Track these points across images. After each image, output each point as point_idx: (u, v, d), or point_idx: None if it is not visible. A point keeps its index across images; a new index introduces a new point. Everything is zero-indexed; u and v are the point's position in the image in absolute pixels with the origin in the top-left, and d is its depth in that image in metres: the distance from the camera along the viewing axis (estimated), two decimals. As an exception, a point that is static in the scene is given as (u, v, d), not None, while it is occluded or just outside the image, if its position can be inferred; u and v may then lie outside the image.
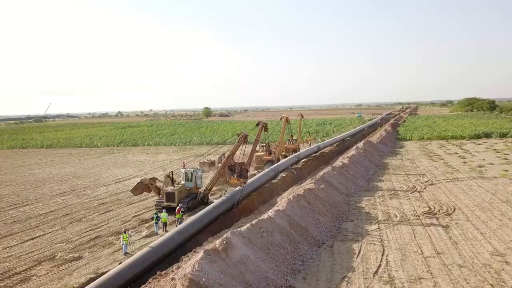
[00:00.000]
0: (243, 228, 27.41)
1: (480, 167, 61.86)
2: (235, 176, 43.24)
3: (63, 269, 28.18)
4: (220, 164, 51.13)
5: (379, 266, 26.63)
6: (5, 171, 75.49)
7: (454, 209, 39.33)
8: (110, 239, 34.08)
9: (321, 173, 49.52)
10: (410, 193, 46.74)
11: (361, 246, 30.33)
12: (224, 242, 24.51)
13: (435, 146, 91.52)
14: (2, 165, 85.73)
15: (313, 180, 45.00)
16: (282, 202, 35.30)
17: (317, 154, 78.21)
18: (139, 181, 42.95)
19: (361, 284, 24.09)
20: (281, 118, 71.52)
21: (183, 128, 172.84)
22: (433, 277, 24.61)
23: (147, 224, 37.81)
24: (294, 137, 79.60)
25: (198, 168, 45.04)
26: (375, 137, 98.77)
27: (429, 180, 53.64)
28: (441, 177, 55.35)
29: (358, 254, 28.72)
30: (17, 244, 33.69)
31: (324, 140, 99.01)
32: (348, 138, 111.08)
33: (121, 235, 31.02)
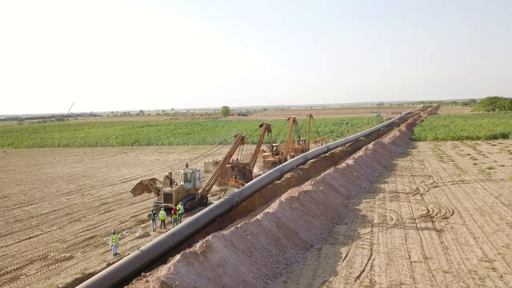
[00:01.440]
0: (226, 231, 27.52)
1: (489, 169, 60.66)
2: (233, 178, 43.36)
3: (52, 269, 28.70)
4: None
5: (363, 270, 26.42)
6: (19, 170, 77.22)
7: (453, 212, 38.72)
8: (104, 239, 34.49)
9: (321, 175, 49.29)
10: (412, 195, 46.17)
11: (349, 249, 30.13)
12: (204, 245, 24.69)
13: (449, 147, 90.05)
14: (17, 164, 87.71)
15: (312, 182, 44.87)
16: (274, 204, 35.28)
17: (327, 154, 77.69)
18: (139, 181, 43.40)
19: (340, 289, 23.96)
20: (288, 119, 71.40)
21: (199, 128, 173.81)
22: (414, 283, 24.30)
23: (143, 225, 38.18)
24: (302, 138, 79.36)
25: (197, 169, 45.24)
26: (387, 138, 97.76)
27: (434, 182, 52.87)
28: (447, 179, 54.48)
29: (345, 258, 28.53)
30: (13, 243, 34.44)
31: (336, 140, 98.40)
32: (362, 138, 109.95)
33: (110, 236, 31.42)
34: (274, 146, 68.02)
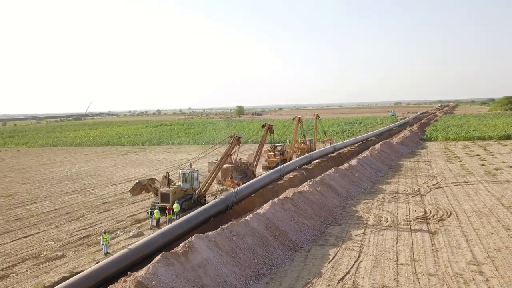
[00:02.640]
0: (211, 232, 27.59)
1: (496, 170, 59.62)
2: (229, 178, 43.47)
3: (42, 268, 29.18)
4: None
5: (348, 272, 26.23)
6: (28, 169, 78.57)
7: (450, 214, 38.15)
8: (98, 238, 34.83)
9: (321, 175, 49.07)
10: (412, 196, 45.64)
11: (338, 251, 29.92)
12: (186, 245, 24.80)
13: (459, 147, 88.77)
14: (28, 163, 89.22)
15: (310, 183, 44.67)
16: (265, 205, 35.24)
17: (334, 154, 77.18)
18: (137, 181, 43.75)
19: (322, 291, 23.83)
20: (293, 119, 71.40)
21: (212, 127, 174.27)
22: (397, 286, 24.04)
23: (138, 224, 38.56)
24: (308, 138, 79.28)
25: (195, 169, 45.42)
26: (396, 138, 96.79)
27: (437, 183, 52.17)
28: (451, 180, 53.71)
29: (331, 260, 28.34)
30: (10, 242, 35.08)
31: (345, 140, 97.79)
32: (373, 138, 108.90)
33: (101, 235, 31.78)
34: (279, 146, 68.01)
